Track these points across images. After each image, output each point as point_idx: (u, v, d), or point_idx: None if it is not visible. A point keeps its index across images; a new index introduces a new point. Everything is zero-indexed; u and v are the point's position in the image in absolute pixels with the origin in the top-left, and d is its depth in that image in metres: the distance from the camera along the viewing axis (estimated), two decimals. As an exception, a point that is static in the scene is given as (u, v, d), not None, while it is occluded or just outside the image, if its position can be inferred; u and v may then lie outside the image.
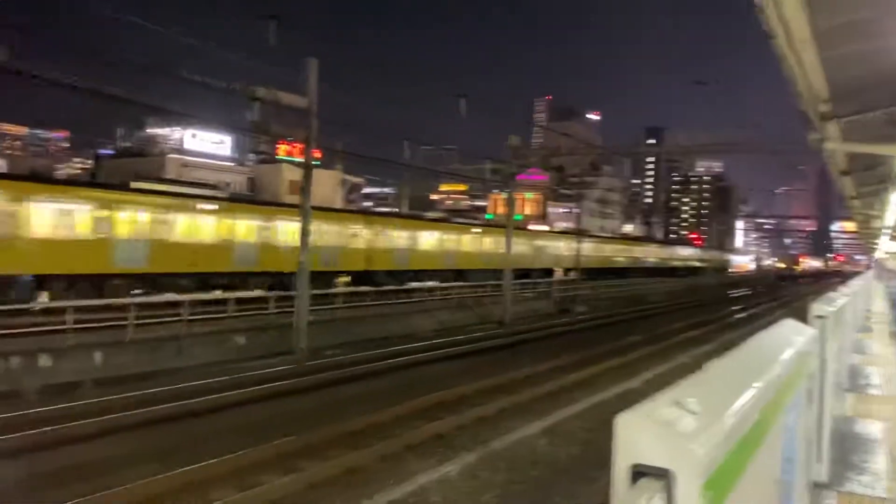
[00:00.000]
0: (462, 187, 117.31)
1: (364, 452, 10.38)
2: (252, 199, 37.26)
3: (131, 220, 23.50)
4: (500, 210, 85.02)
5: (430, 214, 49.05)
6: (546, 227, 65.07)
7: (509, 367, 17.94)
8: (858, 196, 18.98)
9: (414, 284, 33.78)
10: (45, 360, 15.33)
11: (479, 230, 44.59)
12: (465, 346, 22.28)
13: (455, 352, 21.02)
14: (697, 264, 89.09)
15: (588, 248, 59.49)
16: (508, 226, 32.52)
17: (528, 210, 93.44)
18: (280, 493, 8.75)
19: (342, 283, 32.47)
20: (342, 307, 25.19)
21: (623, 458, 1.46)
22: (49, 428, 10.94)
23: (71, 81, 16.27)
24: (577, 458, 11.04)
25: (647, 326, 29.73)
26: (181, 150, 50.99)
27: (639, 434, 1.47)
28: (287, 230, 28.42)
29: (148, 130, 59.95)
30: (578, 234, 52.22)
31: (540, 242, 51.89)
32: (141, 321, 18.08)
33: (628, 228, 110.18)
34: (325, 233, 30.72)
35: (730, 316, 37.34)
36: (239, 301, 22.25)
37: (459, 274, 39.93)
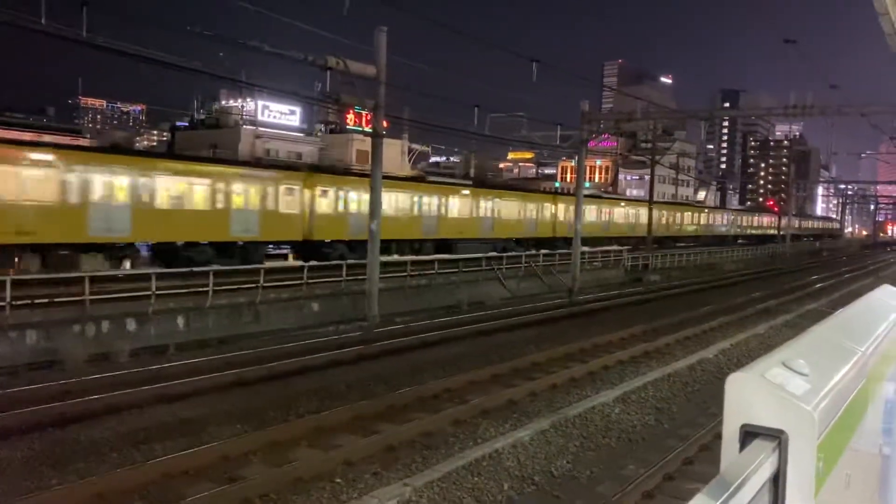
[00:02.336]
0: (529, 155, 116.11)
1: (439, 416, 10.56)
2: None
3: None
4: (570, 178, 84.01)
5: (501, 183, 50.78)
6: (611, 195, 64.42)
7: (580, 336, 17.86)
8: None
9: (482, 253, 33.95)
10: (131, 325, 16.10)
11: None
12: (535, 314, 22.24)
13: (525, 320, 21.02)
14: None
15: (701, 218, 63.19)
16: (578, 194, 32.06)
17: (598, 177, 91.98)
18: (358, 455, 8.99)
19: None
20: (412, 275, 25.45)
21: (734, 417, 1.45)
22: (144, 388, 11.54)
23: (147, 54, 16.70)
24: (651, 426, 10.96)
25: (722, 295, 29.05)
26: (254, 122, 52.03)
27: (750, 394, 1.45)
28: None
29: (222, 102, 61.31)
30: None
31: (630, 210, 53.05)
32: (219, 288, 18.69)
33: (701, 195, 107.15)
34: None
35: (809, 285, 36.05)
36: (312, 269, 22.73)
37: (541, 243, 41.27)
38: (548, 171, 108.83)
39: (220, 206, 25.34)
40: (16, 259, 20.04)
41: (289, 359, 14.22)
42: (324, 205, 29.60)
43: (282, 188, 27.76)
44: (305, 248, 28.82)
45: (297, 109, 55.34)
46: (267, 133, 50.48)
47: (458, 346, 16.87)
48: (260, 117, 53.09)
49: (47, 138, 29.59)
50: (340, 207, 30.50)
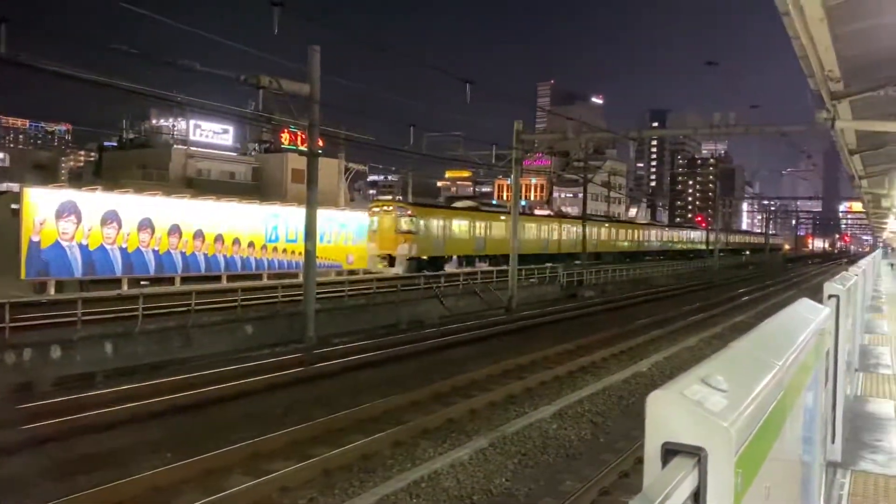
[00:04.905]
0: (466, 174, 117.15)
1: (378, 438, 10.42)
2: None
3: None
4: (507, 196, 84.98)
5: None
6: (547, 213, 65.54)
7: (518, 352, 17.97)
8: (867, 175, 18.87)
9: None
10: (56, 352, 15.43)
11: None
12: (474, 332, 22.31)
13: (464, 338, 21.06)
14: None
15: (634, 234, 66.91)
16: (514, 211, 32.46)
17: (534, 195, 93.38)
18: (294, 480, 8.81)
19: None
20: (350, 295, 25.25)
21: (655, 435, 1.47)
22: (68, 417, 11.05)
23: (73, 72, 16.17)
24: (588, 441, 11.10)
25: (655, 309, 29.72)
26: (186, 141, 50.98)
27: (670, 412, 1.47)
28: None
29: (152, 122, 59.95)
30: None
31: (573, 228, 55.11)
32: (149, 311, 18.18)
33: (633, 212, 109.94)
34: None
35: (737, 298, 37.29)
36: (246, 290, 22.32)
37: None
38: (485, 189, 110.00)
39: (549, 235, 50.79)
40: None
41: (222, 383, 13.86)
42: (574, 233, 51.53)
43: (566, 226, 52.20)
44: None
45: (231, 128, 54.46)
46: (199, 153, 49.53)
47: (397, 366, 16.76)
48: (192, 136, 52.05)
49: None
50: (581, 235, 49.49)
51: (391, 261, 35.98)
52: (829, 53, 6.13)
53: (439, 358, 17.91)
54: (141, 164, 46.53)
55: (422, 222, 37.60)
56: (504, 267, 35.19)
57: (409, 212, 37.71)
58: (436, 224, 39.32)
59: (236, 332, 19.29)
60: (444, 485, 8.54)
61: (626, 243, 65.12)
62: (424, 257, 37.83)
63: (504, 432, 10.68)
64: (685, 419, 1.45)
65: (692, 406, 1.47)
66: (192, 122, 52.49)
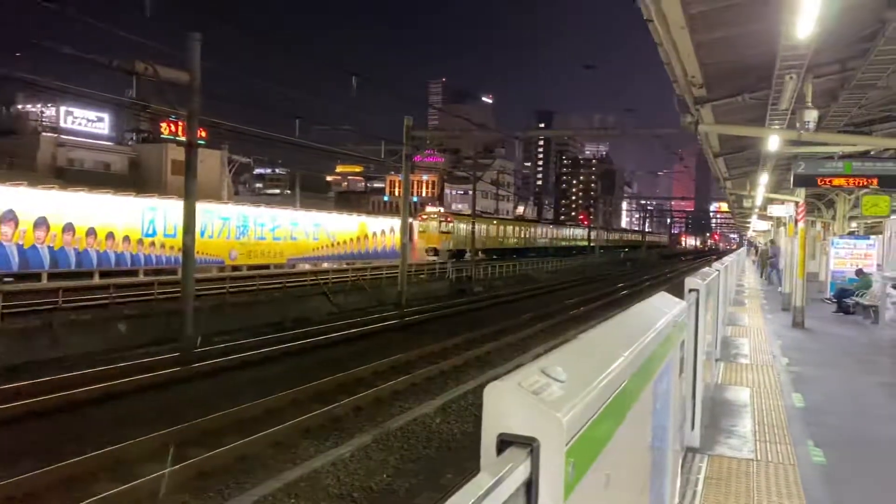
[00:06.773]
0: (358, 168, 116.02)
1: (257, 439, 10.13)
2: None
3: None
4: (398, 192, 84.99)
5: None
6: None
7: (405, 348, 17.98)
8: (731, 177, 20.12)
9: (307, 267, 33.57)
10: None
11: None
12: (362, 328, 22.12)
13: (352, 334, 20.85)
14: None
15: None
16: (403, 208, 32.46)
17: (425, 191, 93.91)
18: (166, 484, 8.42)
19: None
20: (232, 292, 24.49)
21: (490, 427, 1.46)
22: None
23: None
24: (470, 434, 11.24)
25: (539, 304, 30.52)
26: (56, 129, 47.74)
27: (506, 403, 1.47)
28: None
29: (17, 107, 55.68)
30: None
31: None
32: (9, 310, 16.96)
33: (520, 210, 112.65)
34: None
35: (617, 292, 38.89)
36: (120, 286, 21.22)
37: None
38: (377, 184, 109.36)
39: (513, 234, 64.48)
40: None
41: (90, 385, 13.07)
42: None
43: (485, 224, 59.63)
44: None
45: (106, 116, 51.36)
46: (71, 141, 46.59)
47: (280, 365, 16.39)
48: (63, 124, 48.72)
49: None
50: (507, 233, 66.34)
51: (436, 252, 51.16)
52: (692, 60, 6.46)
53: (325, 356, 17.65)
54: (4, 153, 43.24)
55: (453, 226, 53.82)
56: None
57: (449, 218, 54.84)
58: (462, 227, 53.80)
59: (109, 331, 18.28)
60: (324, 483, 8.42)
61: (514, 240, 66.82)
62: (456, 250, 52.82)
63: (388, 428, 10.66)
64: (520, 410, 1.45)
65: (527, 397, 1.47)
66: (62, 108, 49.06)
